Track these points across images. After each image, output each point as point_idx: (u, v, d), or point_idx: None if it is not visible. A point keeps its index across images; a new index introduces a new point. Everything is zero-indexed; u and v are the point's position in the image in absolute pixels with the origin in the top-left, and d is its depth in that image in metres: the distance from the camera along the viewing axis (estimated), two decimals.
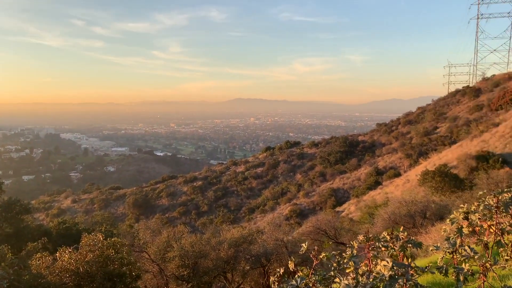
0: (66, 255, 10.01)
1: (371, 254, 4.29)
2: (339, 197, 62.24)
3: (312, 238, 21.59)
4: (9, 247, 9.97)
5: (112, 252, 10.18)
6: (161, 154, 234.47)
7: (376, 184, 56.98)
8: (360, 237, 4.47)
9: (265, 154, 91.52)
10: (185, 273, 16.56)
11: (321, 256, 4.30)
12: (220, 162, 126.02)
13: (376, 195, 48.46)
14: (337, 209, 53.24)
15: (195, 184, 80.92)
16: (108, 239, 10.67)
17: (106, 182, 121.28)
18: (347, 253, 4.34)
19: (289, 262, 4.63)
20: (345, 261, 4.24)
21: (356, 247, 4.46)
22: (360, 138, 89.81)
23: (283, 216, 59.57)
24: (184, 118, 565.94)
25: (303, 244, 4.73)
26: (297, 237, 23.24)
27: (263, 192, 75.66)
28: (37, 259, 10.13)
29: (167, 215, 71.70)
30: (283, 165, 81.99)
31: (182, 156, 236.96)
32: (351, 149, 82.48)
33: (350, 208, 49.22)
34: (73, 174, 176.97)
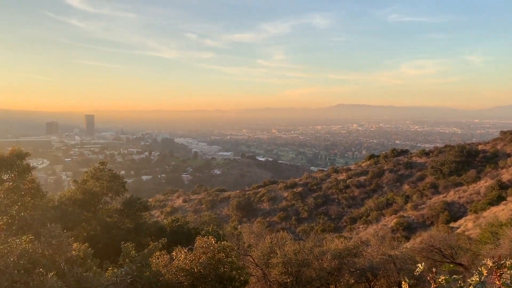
0: (182, 255, 10.69)
1: (501, 283, 3.64)
2: (454, 212, 56.68)
3: (424, 256, 19.89)
4: (132, 243, 10.99)
5: (223, 256, 10.61)
6: (263, 159, 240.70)
7: (499, 199, 50.59)
8: (488, 262, 3.84)
9: (368, 162, 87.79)
10: (288, 280, 16.53)
11: (440, 279, 3.81)
12: (321, 169, 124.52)
13: (499, 211, 43.03)
14: (451, 224, 48.51)
15: (295, 190, 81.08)
16: (219, 242, 11.15)
17: (212, 184, 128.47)
18: (473, 278, 3.76)
19: (403, 283, 4.20)
20: None
21: (485, 273, 3.85)
22: (479, 147, 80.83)
23: (388, 228, 56.28)
24: (285, 124, 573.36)
25: (419, 265, 4.25)
26: (406, 253, 21.64)
27: (365, 202, 72.58)
28: (156, 257, 11.00)
29: (268, 219, 73.01)
30: (389, 174, 77.69)
31: (283, 162, 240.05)
32: (469, 159, 74.65)
33: (467, 225, 44.45)
34: (185, 175, 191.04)
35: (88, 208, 27.07)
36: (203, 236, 12.25)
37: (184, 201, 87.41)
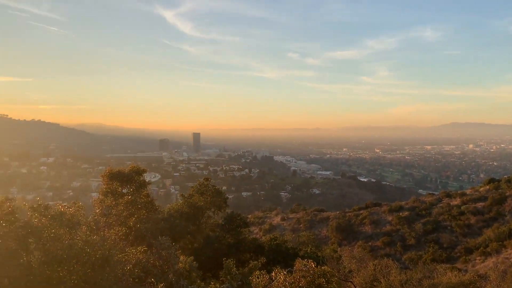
0: (282, 277, 10.60)
1: None
2: None
3: None
4: (233, 260, 11.22)
5: (323, 281, 10.25)
6: (365, 179, 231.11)
7: None
8: None
9: (487, 186, 78.37)
10: None
11: None
12: (431, 192, 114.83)
13: None
14: None
15: (401, 214, 75.77)
16: (319, 266, 10.82)
17: (311, 204, 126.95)
18: None
19: None
20: None
21: None
22: None
23: (511, 262, 49.17)
24: (389, 144, 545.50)
25: None
26: None
27: (484, 231, 64.48)
28: (256, 276, 11.07)
29: (370, 243, 69.25)
30: None
31: (387, 183, 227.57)
32: None
33: None
34: (283, 193, 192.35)
35: (193, 221, 28.72)
36: (302, 257, 11.99)
37: (282, 219, 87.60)
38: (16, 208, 10.22)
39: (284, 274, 10.92)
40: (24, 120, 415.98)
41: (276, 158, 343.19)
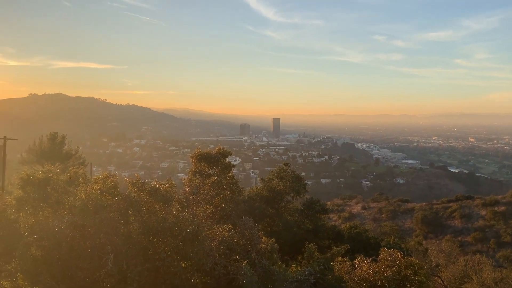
0: (365, 265, 10.39)
1: None
2: None
3: None
4: (315, 245, 11.25)
5: (410, 273, 9.84)
6: (456, 170, 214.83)
7: None
8: None
9: None
10: None
11: None
12: None
13: None
14: None
15: (496, 208, 69.31)
16: (406, 257, 10.39)
17: (394, 194, 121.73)
18: None
19: None
20: None
21: None
22: None
23: None
24: (486, 133, 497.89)
25: None
26: None
27: None
28: (339, 262, 10.99)
29: (459, 238, 64.59)
30: None
31: (481, 175, 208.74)
32: None
33: None
34: (364, 182, 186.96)
35: (272, 205, 29.22)
36: (384, 247, 11.61)
37: (363, 208, 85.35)
38: (117, 183, 11.35)
39: (368, 262, 10.67)
40: (120, 104, 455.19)
41: (357, 145, 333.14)
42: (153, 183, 11.47)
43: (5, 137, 39.75)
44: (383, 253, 10.72)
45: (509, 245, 60.31)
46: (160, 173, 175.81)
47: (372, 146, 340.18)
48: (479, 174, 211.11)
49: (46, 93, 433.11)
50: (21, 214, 11.48)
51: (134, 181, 11.08)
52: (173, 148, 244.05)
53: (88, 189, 10.81)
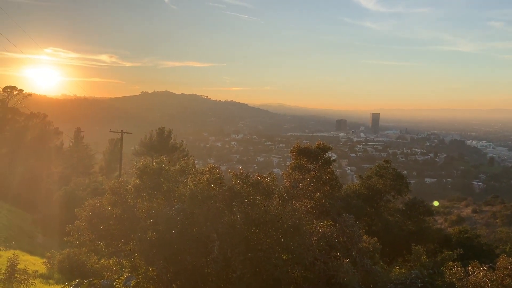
0: (481, 273, 9.48)
1: None
2: None
3: None
4: (423, 248, 10.57)
5: None
6: None
7: None
8: None
9: None
10: None
11: None
12: None
13: None
14: None
15: None
16: None
17: (511, 197, 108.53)
18: None
19: None
20: None
21: None
22: None
23: None
24: None
25: None
26: None
27: None
28: (450, 268, 10.19)
29: None
30: None
31: None
32: None
33: None
34: (475, 183, 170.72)
35: (371, 203, 28.15)
36: (503, 255, 10.41)
37: (474, 211, 77.94)
38: (222, 175, 12.02)
39: (484, 269, 9.70)
40: (219, 100, 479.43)
41: (468, 142, 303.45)
42: (255, 175, 11.87)
43: (122, 131, 44.71)
44: (502, 260, 9.65)
45: None
46: (256, 167, 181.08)
47: (485, 144, 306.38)
48: None
49: (155, 91, 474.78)
50: (138, 201, 12.76)
51: (238, 174, 11.60)
52: (268, 143, 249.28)
53: (196, 179, 11.60)
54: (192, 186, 11.26)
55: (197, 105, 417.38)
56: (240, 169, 12.07)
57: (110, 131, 48.16)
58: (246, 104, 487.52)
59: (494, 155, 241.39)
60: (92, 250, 13.13)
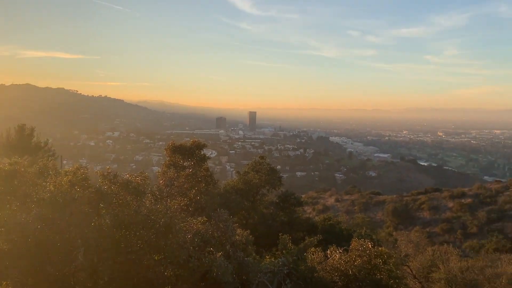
0: (337, 255, 10.60)
1: None
2: None
3: None
4: (289, 236, 11.40)
5: (379, 262, 10.12)
6: (425, 164, 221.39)
7: None
8: None
9: None
10: None
11: None
12: (497, 179, 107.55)
13: None
14: None
15: (463, 201, 71.95)
16: (376, 247, 10.68)
17: (366, 186, 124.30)
18: None
19: None
20: None
21: None
22: None
23: None
24: (454, 127, 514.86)
25: None
26: None
27: None
28: (312, 253, 11.17)
29: (427, 229, 66.74)
30: None
31: (449, 168, 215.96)
32: None
33: None
34: (338, 175, 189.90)
35: (248, 198, 29.30)
36: (356, 238, 11.87)
37: (336, 200, 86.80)
38: (88, 175, 11.10)
39: (340, 252, 10.90)
40: (92, 95, 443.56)
41: (332, 139, 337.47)
42: (125, 175, 11.26)
43: None
44: (354, 243, 10.99)
45: (475, 236, 62.76)
46: (134, 166, 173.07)
47: (346, 140, 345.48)
48: (447, 167, 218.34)
49: (14, 83, 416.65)
50: None
51: (105, 174, 10.86)
52: (147, 141, 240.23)
53: (57, 181, 10.52)
54: (53, 189, 10.18)
55: (66, 100, 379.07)
56: (108, 168, 11.32)
57: None
58: (123, 100, 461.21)
59: (352, 150, 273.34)
60: None
